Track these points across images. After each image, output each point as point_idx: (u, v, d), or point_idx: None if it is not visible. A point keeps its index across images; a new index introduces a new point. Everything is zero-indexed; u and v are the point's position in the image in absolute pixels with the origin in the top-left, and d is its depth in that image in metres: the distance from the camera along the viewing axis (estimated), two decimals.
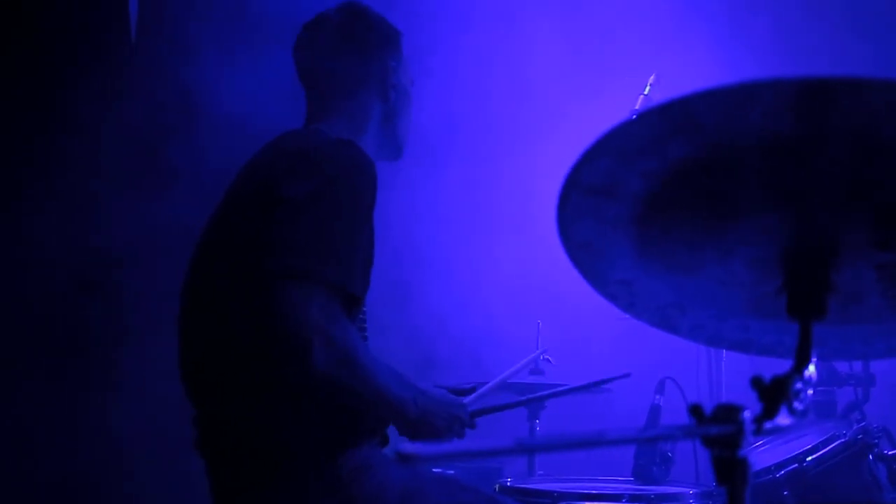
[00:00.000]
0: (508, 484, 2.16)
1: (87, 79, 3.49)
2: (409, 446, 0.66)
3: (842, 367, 2.31)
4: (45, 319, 3.36)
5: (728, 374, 2.59)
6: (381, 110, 2.04)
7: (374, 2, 2.15)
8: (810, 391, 0.98)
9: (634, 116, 0.92)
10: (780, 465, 2.02)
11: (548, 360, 2.76)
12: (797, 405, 0.97)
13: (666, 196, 0.99)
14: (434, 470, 1.98)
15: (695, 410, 0.93)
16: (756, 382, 0.99)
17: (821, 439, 2.07)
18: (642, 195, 1.00)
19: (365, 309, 1.96)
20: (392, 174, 2.18)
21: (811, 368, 1.01)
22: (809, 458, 2.03)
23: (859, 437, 2.07)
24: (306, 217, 1.72)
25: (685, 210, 1.02)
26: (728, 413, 0.91)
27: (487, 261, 3.67)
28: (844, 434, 2.08)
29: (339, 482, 1.75)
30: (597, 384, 2.17)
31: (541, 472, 2.80)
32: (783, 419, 0.95)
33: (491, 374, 2.66)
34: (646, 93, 3.05)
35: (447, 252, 3.73)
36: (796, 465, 2.01)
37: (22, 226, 3.33)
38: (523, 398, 2.26)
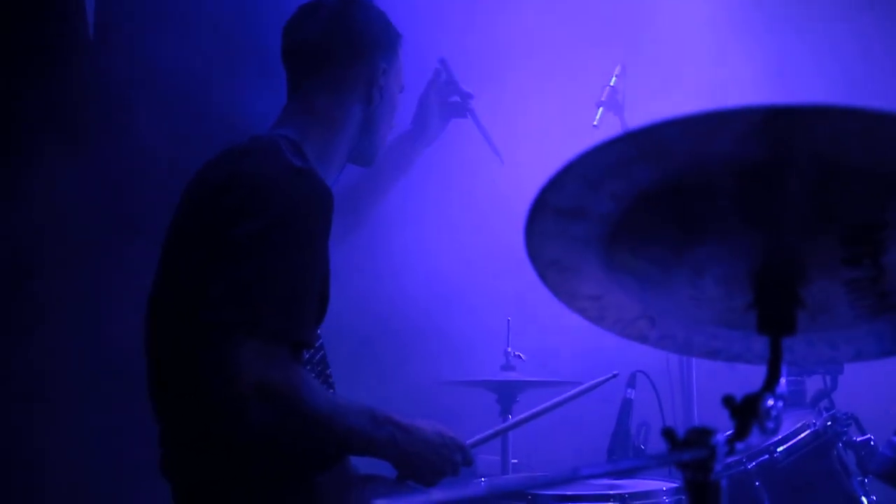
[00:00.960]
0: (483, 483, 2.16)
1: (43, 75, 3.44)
2: (380, 502, 0.66)
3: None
4: None
5: (699, 368, 2.61)
6: (362, 114, 1.94)
7: None
8: (781, 404, 0.99)
9: (600, 142, 0.91)
10: (751, 457, 2.04)
11: (518, 356, 2.77)
12: (769, 424, 0.97)
13: (635, 217, 0.99)
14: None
15: (668, 434, 0.93)
16: (728, 401, 0.99)
17: (791, 429, 2.10)
18: (611, 216, 1.00)
19: (323, 348, 1.89)
20: None
21: (782, 384, 1.01)
22: (780, 449, 2.05)
23: (828, 424, 2.10)
24: (250, 261, 1.60)
25: (654, 230, 1.02)
26: (700, 437, 0.92)
27: (456, 256, 3.66)
28: (814, 423, 2.11)
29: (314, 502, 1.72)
30: (586, 390, 2.14)
31: (514, 461, 2.82)
32: (756, 439, 0.96)
33: (460, 371, 2.66)
34: (612, 84, 3.04)
35: (415, 246, 3.72)
36: (767, 455, 2.04)
37: None
38: (519, 419, 2.20)
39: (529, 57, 3.81)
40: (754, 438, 0.97)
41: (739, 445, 0.95)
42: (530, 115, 3.63)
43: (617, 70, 3.06)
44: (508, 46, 3.82)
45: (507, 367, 2.80)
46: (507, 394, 2.81)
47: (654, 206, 0.97)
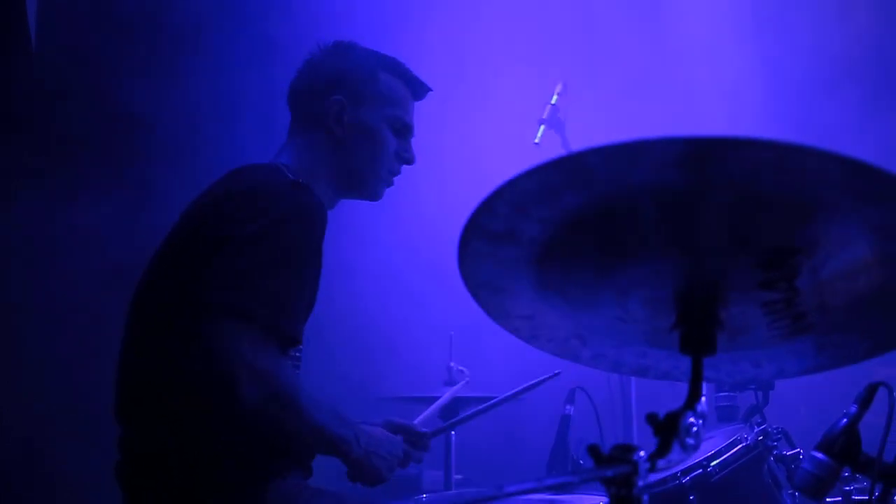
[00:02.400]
0: (424, 500, 2.18)
1: None
2: None
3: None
4: None
5: (638, 383, 2.66)
6: (332, 150, 2.03)
7: None
8: (701, 422, 1.03)
9: (527, 169, 0.94)
10: (686, 471, 2.09)
11: (461, 370, 2.80)
12: (689, 441, 1.01)
13: (563, 241, 1.02)
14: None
15: (593, 451, 0.97)
16: (650, 419, 1.03)
17: (724, 444, 2.15)
18: (540, 240, 1.03)
19: (300, 345, 1.95)
20: None
21: (703, 402, 1.05)
22: (714, 463, 2.10)
23: (760, 439, 2.16)
24: (248, 256, 1.73)
25: (582, 254, 1.06)
26: (623, 453, 0.95)
27: (398, 272, 3.69)
28: (746, 438, 2.16)
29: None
30: (531, 387, 2.20)
31: (458, 476, 2.84)
32: (676, 455, 1.00)
33: (403, 387, 2.67)
34: (553, 101, 3.10)
35: (363, 260, 3.74)
36: (701, 470, 2.08)
37: None
38: (465, 414, 2.28)
39: (472, 73, 3.86)
40: (675, 455, 1.00)
41: (661, 462, 0.99)
42: (472, 132, 3.67)
43: (558, 88, 3.11)
44: (451, 61, 3.86)
45: (450, 382, 2.82)
46: (449, 410, 2.83)
47: (581, 230, 1.00)
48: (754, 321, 1.10)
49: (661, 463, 0.98)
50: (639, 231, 1.00)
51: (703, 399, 1.05)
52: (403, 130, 2.11)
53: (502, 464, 2.32)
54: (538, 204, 0.98)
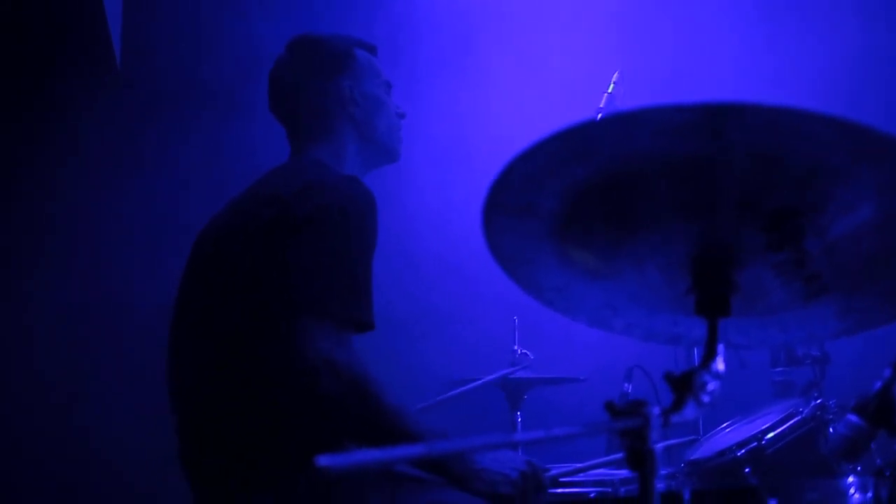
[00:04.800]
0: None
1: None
2: (324, 458, 0.73)
3: (799, 348, 2.40)
4: None
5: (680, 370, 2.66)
6: (353, 130, 2.13)
7: None
8: (716, 385, 1.07)
9: (533, 143, 1.00)
10: (741, 444, 2.11)
11: (525, 353, 2.85)
12: (704, 398, 1.06)
13: (578, 212, 1.08)
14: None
15: (609, 406, 1.02)
16: (668, 377, 1.08)
17: (779, 417, 2.16)
18: (557, 212, 1.08)
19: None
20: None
21: (719, 363, 1.10)
22: (769, 436, 2.12)
23: (816, 413, 2.16)
24: (316, 251, 1.82)
25: (597, 224, 1.11)
26: (636, 407, 1.00)
27: (462, 256, 3.75)
28: (801, 411, 2.17)
29: (327, 493, 1.79)
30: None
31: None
32: (689, 412, 1.05)
33: (471, 373, 2.73)
34: (610, 90, 3.12)
35: (420, 247, 3.81)
36: (756, 443, 2.10)
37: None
38: (598, 461, 2.05)
39: (530, 64, 3.90)
40: (689, 412, 1.05)
41: (675, 417, 1.04)
42: (531, 122, 3.71)
43: (615, 77, 3.12)
44: (510, 53, 3.92)
45: (514, 364, 2.88)
46: (514, 391, 2.89)
47: (592, 201, 1.06)
48: (768, 284, 1.14)
49: (674, 418, 1.03)
50: (648, 199, 1.05)
51: (720, 359, 1.10)
52: (388, 89, 2.23)
53: (561, 445, 2.36)
54: (551, 177, 1.04)
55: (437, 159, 3.91)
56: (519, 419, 2.93)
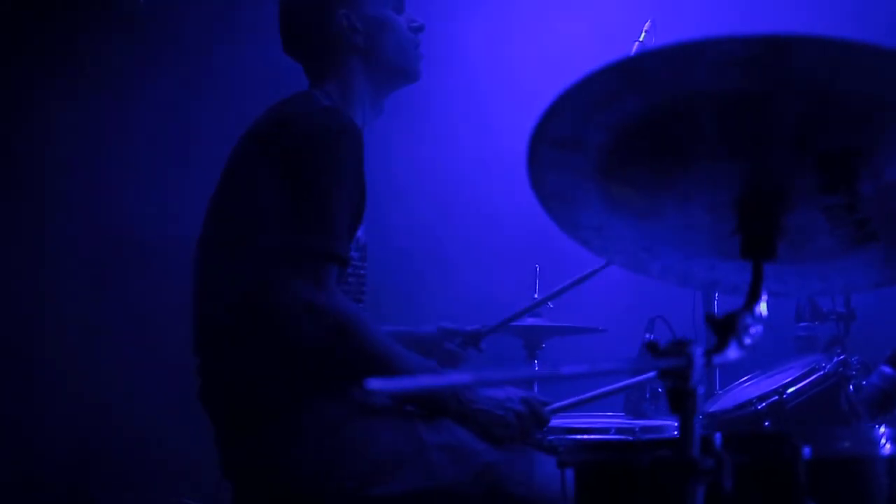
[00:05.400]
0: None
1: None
2: (374, 382, 0.73)
3: (824, 303, 2.39)
4: None
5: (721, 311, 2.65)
6: (359, 59, 2.07)
7: None
8: (759, 328, 1.06)
9: (588, 73, 0.98)
10: (761, 398, 2.10)
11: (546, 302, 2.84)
12: (746, 340, 1.04)
13: (625, 147, 1.06)
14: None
15: (650, 346, 1.01)
16: (709, 317, 1.07)
17: (801, 372, 2.16)
18: (604, 147, 1.06)
19: (364, 272, 2.02)
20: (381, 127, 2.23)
21: (762, 306, 1.08)
22: (790, 391, 2.11)
23: (839, 369, 2.15)
24: (286, 186, 1.81)
25: (644, 160, 1.09)
26: (679, 347, 0.99)
27: (482, 208, 3.74)
28: (824, 367, 2.16)
29: (335, 425, 1.80)
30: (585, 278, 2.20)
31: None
32: (733, 353, 1.03)
33: (493, 319, 2.73)
34: (641, 39, 3.07)
35: (443, 200, 3.80)
36: (776, 397, 2.09)
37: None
38: (601, 391, 2.15)
39: (562, 14, 3.85)
40: (732, 352, 1.04)
41: (717, 358, 1.03)
42: (561, 72, 3.67)
43: (646, 26, 3.07)
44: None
45: (533, 313, 2.87)
46: (533, 339, 2.89)
47: (642, 136, 1.03)
48: (816, 228, 1.12)
49: (716, 359, 1.02)
50: (699, 135, 1.03)
51: (762, 303, 1.08)
52: (399, 5, 2.14)
53: (582, 392, 2.36)
54: (601, 110, 1.01)
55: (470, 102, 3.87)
56: (536, 367, 2.94)
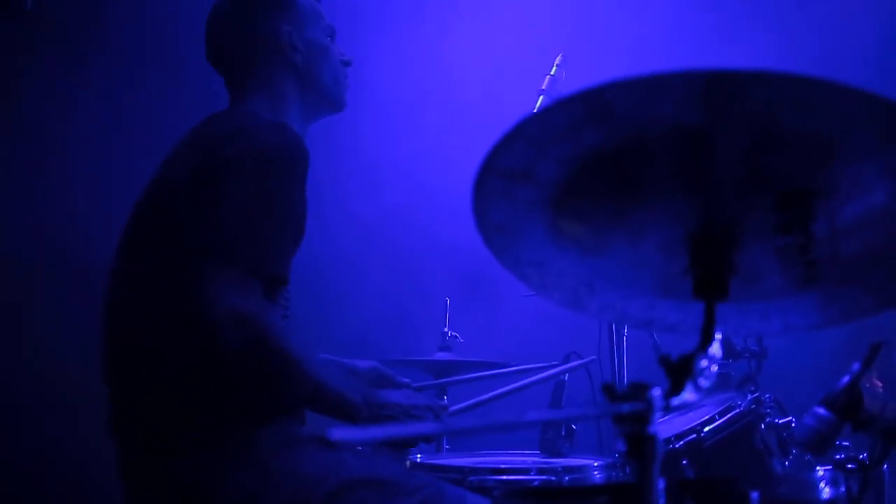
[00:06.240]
0: (419, 460, 2.19)
1: None
2: (336, 431, 0.67)
3: (737, 342, 2.41)
4: None
5: (630, 350, 2.67)
6: (294, 78, 2.03)
7: None
8: (714, 368, 1.03)
9: (549, 103, 0.94)
10: (679, 436, 2.10)
11: (455, 336, 2.80)
12: (702, 382, 1.01)
13: (579, 181, 1.02)
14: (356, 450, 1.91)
15: (607, 389, 0.97)
16: (663, 360, 1.03)
17: (717, 410, 2.16)
18: (556, 180, 1.02)
19: (288, 292, 1.94)
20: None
21: (715, 347, 1.06)
22: (707, 429, 2.12)
23: (752, 407, 2.17)
24: (231, 197, 1.71)
25: (597, 194, 1.05)
26: (638, 391, 0.95)
27: (396, 239, 3.68)
28: (739, 405, 2.18)
29: (258, 456, 1.72)
30: (564, 371, 2.17)
31: (447, 447, 2.84)
32: (689, 395, 1.00)
33: (402, 353, 2.67)
34: (552, 73, 3.08)
35: (355, 231, 3.74)
36: (694, 435, 2.10)
37: None
38: (499, 392, 2.20)
39: (472, 45, 3.85)
40: (689, 395, 1.01)
41: (674, 401, 0.99)
42: (471, 102, 3.67)
43: (558, 59, 3.09)
44: (452, 34, 3.86)
45: (444, 347, 2.83)
46: (443, 374, 2.84)
47: (597, 169, 1.00)
48: (767, 267, 1.10)
49: (674, 402, 0.98)
50: (655, 169, 1.00)
51: (716, 343, 1.06)
52: (333, 35, 2.14)
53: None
54: (557, 141, 0.98)
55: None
56: (445, 402, 2.88)
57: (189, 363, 1.72)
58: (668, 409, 0.97)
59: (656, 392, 0.95)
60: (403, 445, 1.90)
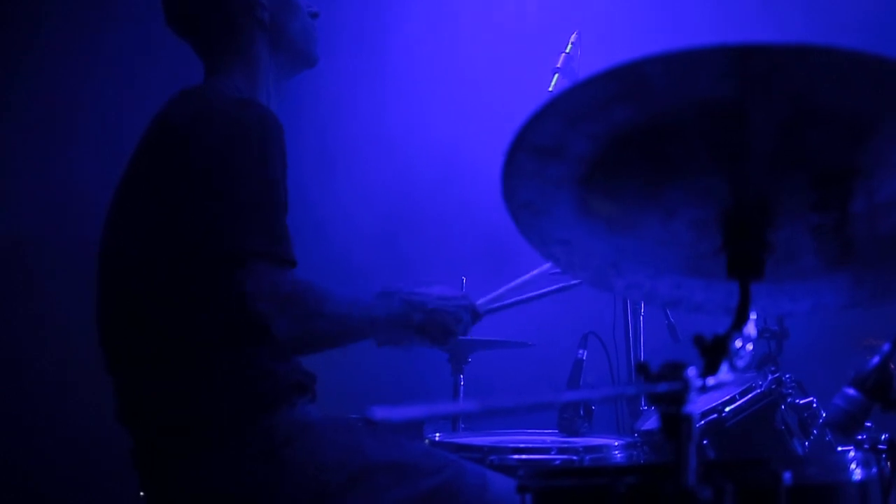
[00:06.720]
0: (437, 439, 2.18)
1: None
2: (378, 410, 0.66)
3: (757, 321, 2.38)
4: None
5: (647, 329, 2.66)
6: (263, 36, 1.96)
7: None
8: (749, 347, 1.02)
9: (584, 78, 0.92)
10: (700, 415, 2.08)
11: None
12: (738, 361, 1.00)
13: (610, 158, 1.00)
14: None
15: (642, 369, 0.95)
16: (698, 340, 1.02)
17: (738, 390, 2.15)
18: (587, 157, 1.01)
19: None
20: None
21: (750, 326, 1.04)
22: (728, 409, 2.11)
23: (773, 387, 2.16)
24: (228, 192, 1.68)
25: (629, 171, 1.03)
26: (674, 371, 0.93)
27: (413, 216, 3.67)
28: (760, 385, 2.17)
29: (273, 448, 1.69)
30: (553, 291, 2.15)
31: (463, 426, 2.84)
32: (725, 375, 0.99)
33: None
34: (567, 51, 3.06)
35: (369, 208, 3.72)
36: (716, 415, 2.09)
37: None
38: (521, 280, 2.15)
39: (486, 23, 3.82)
40: (724, 375, 0.99)
41: (710, 381, 0.98)
42: (486, 81, 3.64)
43: (573, 37, 3.07)
44: (467, 11, 3.83)
45: None
46: (459, 353, 2.83)
47: (630, 146, 0.98)
48: (801, 247, 1.09)
49: (710, 381, 0.97)
50: (689, 146, 0.98)
51: (751, 323, 1.04)
52: None
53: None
54: (589, 118, 0.96)
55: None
56: (462, 382, 2.88)
57: (193, 359, 1.70)
58: (703, 390, 0.96)
59: (692, 372, 0.94)
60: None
